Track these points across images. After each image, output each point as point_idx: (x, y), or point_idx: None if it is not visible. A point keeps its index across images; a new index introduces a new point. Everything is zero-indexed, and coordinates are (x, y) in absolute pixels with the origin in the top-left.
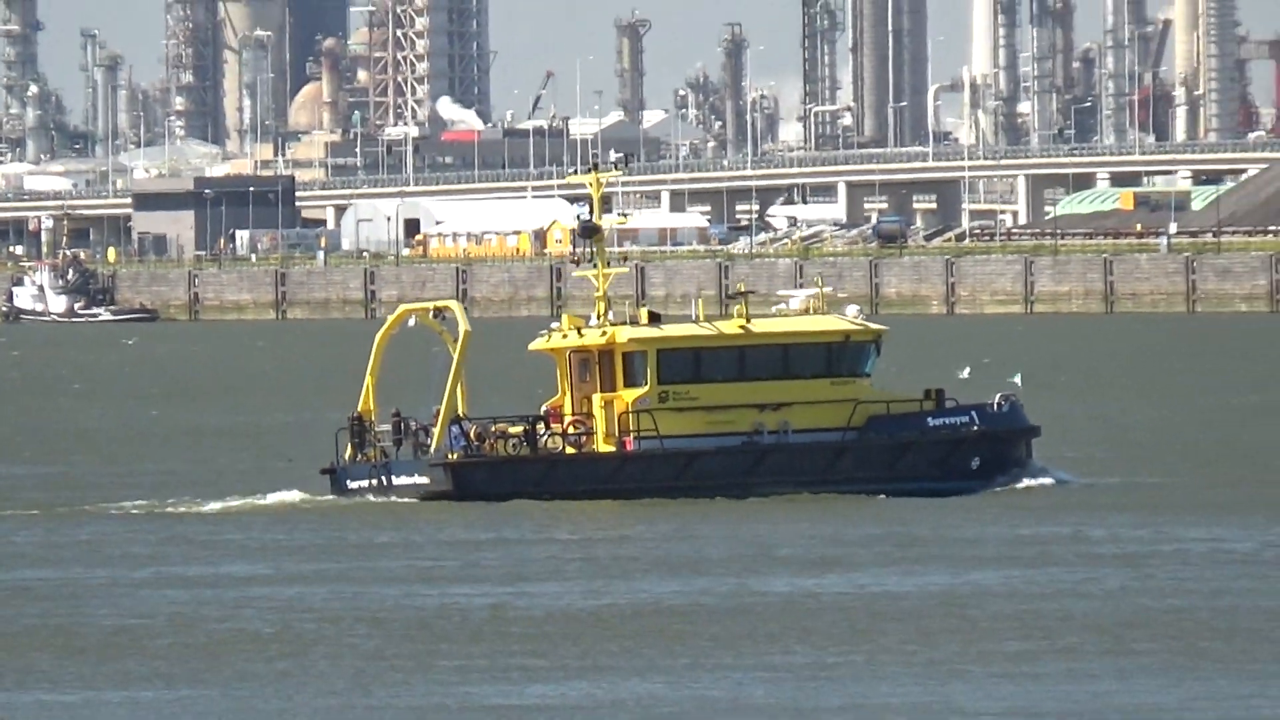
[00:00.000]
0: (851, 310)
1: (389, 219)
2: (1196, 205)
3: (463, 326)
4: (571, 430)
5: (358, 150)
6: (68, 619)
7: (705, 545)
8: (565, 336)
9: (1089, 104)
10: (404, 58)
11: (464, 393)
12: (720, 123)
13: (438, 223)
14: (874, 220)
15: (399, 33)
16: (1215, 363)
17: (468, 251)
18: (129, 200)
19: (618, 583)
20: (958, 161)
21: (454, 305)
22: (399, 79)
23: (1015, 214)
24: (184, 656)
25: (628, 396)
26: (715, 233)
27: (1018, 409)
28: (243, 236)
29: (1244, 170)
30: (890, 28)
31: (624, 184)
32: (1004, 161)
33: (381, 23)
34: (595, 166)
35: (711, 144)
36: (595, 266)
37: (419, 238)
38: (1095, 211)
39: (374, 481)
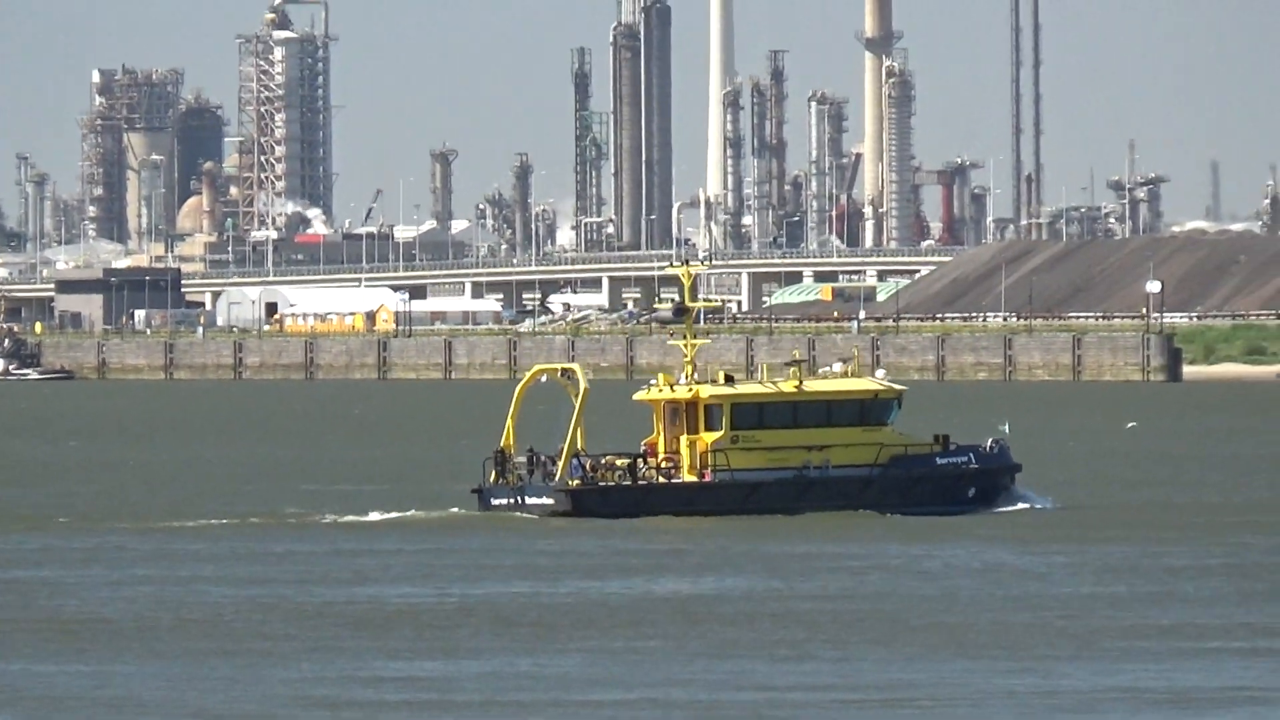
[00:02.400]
0: (879, 374)
1: (253, 302)
2: (881, 297)
3: (582, 384)
4: (664, 464)
5: (230, 249)
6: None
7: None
8: (661, 391)
9: (797, 218)
10: (266, 177)
11: (583, 434)
12: (511, 230)
13: (291, 305)
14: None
15: (262, 158)
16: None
17: (314, 328)
18: (53, 286)
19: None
20: (696, 262)
21: (576, 368)
22: (262, 194)
23: (740, 303)
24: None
25: (708, 438)
26: (507, 315)
27: (1005, 450)
28: (140, 315)
29: (917, 270)
30: (644, 158)
31: (435, 276)
32: (731, 262)
33: (249, 150)
34: (686, 261)
35: (504, 246)
36: (685, 339)
37: (277, 317)
38: (802, 301)
39: (511, 500)
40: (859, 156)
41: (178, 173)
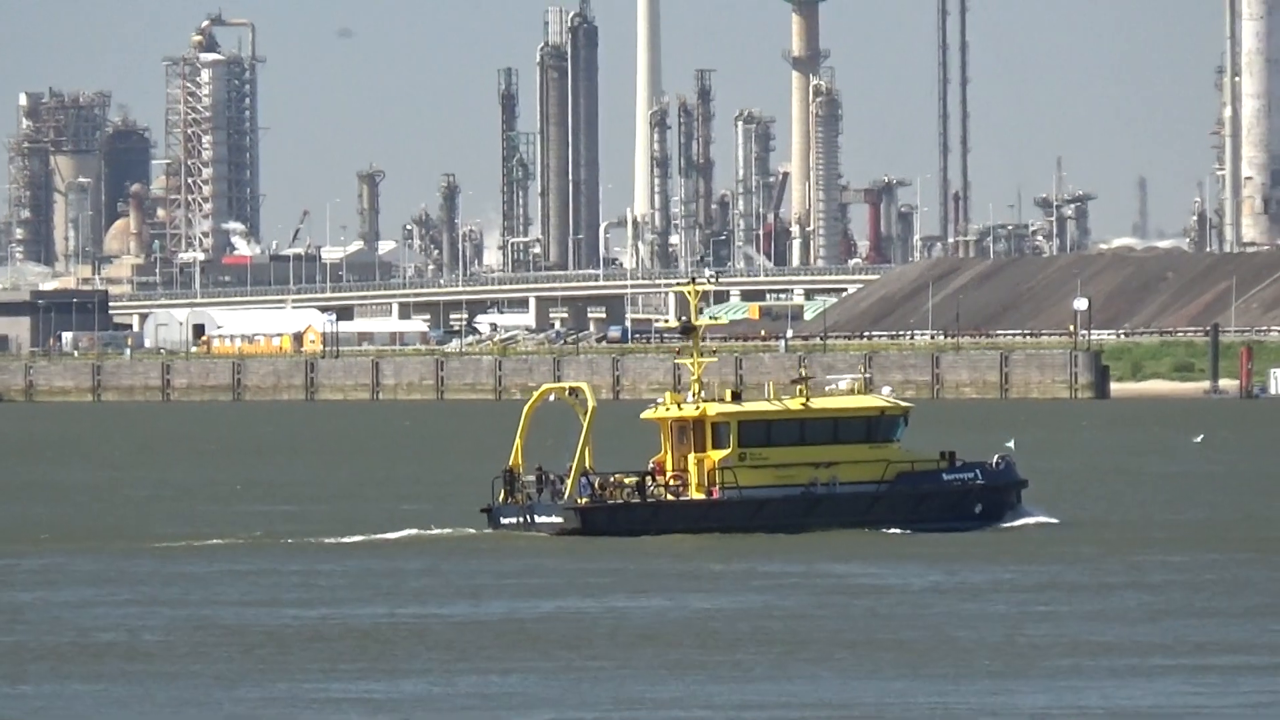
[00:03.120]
0: (886, 390)
1: (181, 324)
2: (808, 315)
3: (590, 403)
4: (672, 482)
5: (157, 271)
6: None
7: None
8: (668, 409)
9: (724, 237)
10: (193, 199)
11: (591, 452)
12: (438, 250)
13: (219, 327)
14: (606, 331)
15: (189, 180)
16: None
17: (242, 349)
18: None
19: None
20: (622, 281)
21: (584, 386)
22: (189, 216)
23: (666, 322)
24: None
25: (715, 456)
26: (434, 336)
27: (1011, 466)
28: (67, 337)
29: (844, 289)
30: (570, 178)
31: (362, 297)
32: (658, 281)
33: (176, 172)
34: (694, 280)
35: (431, 267)
36: (692, 357)
37: (204, 338)
38: (730, 320)
39: (521, 519)
40: (786, 175)
41: (105, 195)
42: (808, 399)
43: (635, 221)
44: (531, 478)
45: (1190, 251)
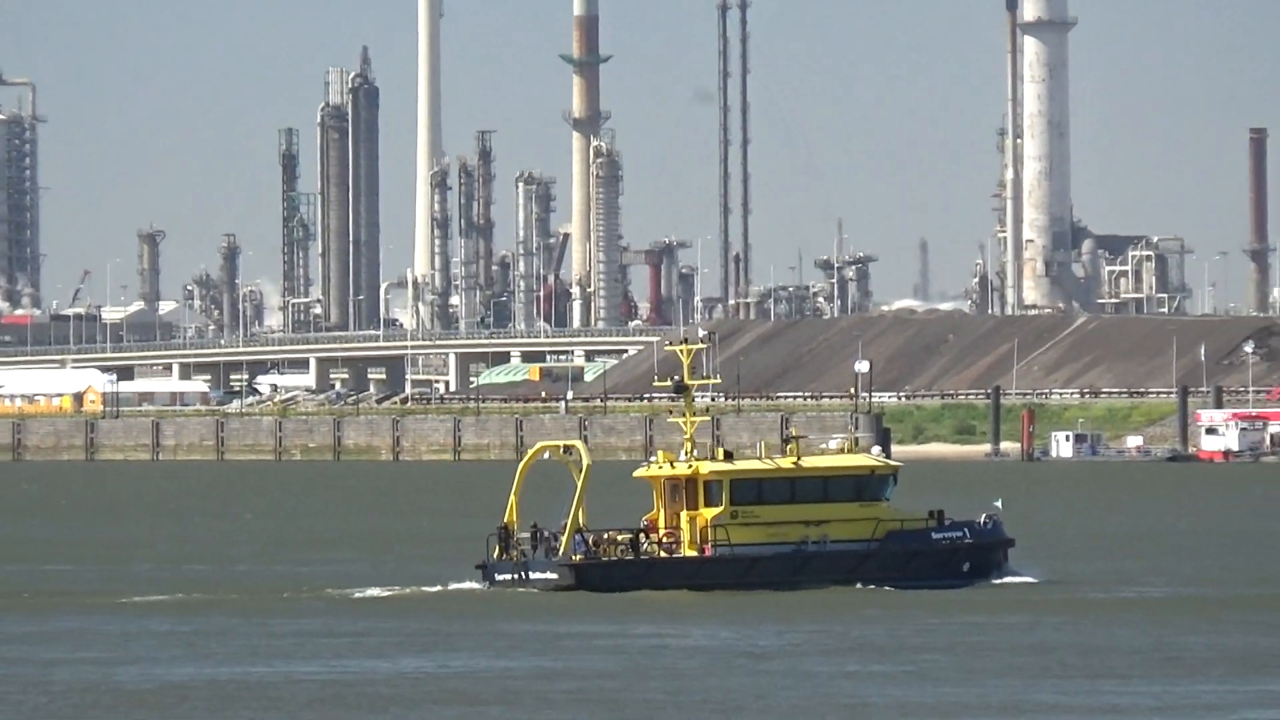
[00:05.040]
0: (875, 450)
1: None
2: (589, 377)
3: (585, 460)
4: (665, 539)
5: None
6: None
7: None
8: (661, 467)
9: (505, 298)
10: None
11: (584, 510)
12: (219, 310)
13: None
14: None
15: None
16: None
17: (22, 409)
18: None
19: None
20: (403, 342)
21: (578, 444)
22: None
23: (447, 383)
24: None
25: (707, 514)
26: (214, 396)
27: (999, 525)
28: None
29: (625, 350)
30: (351, 238)
31: (143, 357)
32: (438, 342)
33: None
34: (686, 340)
35: (212, 327)
36: (685, 416)
37: None
38: (510, 381)
39: (515, 576)
40: (566, 236)
41: None
42: (799, 458)
43: (416, 282)
44: (526, 535)
45: (972, 314)
